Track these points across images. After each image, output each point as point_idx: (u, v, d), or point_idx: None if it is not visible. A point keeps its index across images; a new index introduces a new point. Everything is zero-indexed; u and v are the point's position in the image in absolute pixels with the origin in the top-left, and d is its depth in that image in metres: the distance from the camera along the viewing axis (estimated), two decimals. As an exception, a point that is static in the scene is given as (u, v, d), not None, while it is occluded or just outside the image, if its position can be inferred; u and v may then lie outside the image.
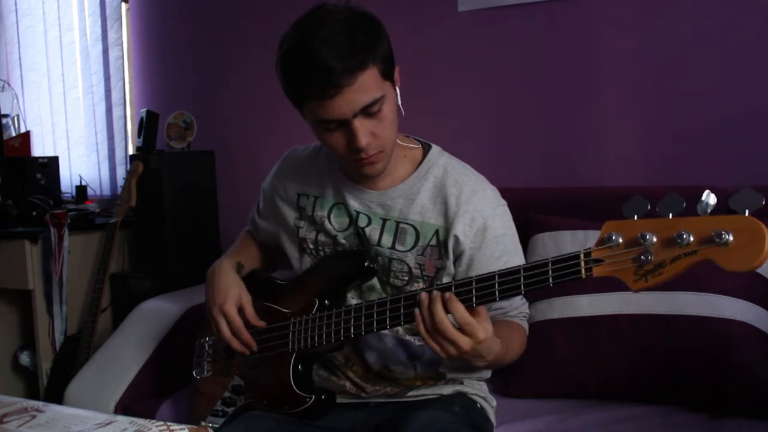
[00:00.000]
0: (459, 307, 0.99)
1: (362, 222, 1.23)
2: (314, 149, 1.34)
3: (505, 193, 1.29)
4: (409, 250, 1.20)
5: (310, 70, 1.05)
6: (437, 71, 2.21)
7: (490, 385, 1.37)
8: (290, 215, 1.32)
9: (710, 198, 0.83)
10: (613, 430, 1.38)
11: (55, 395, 2.24)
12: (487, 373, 1.33)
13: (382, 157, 1.15)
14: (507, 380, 1.59)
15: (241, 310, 1.27)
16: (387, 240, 1.21)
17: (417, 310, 1.02)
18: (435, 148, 1.27)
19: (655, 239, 0.85)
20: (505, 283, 0.98)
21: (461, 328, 0.99)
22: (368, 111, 1.08)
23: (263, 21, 2.53)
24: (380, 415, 1.25)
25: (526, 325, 1.27)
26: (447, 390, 1.27)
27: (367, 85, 1.06)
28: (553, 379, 1.56)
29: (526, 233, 1.70)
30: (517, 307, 1.24)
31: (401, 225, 1.21)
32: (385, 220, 1.22)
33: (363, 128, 1.09)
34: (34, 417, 0.91)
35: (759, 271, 1.48)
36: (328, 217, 1.26)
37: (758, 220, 0.79)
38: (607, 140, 1.98)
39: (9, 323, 2.70)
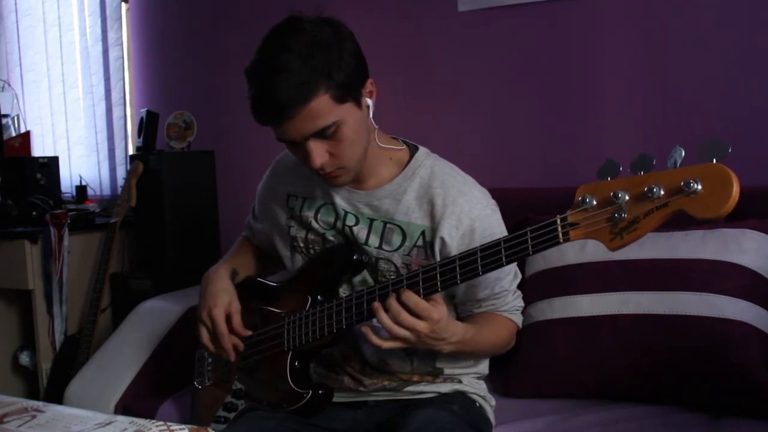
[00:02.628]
0: (412, 296, 1.05)
1: (350, 221, 1.24)
2: None
3: (504, 193, 1.29)
4: (395, 250, 1.21)
5: (261, 97, 1.09)
6: (437, 71, 2.20)
7: (490, 385, 1.37)
8: (282, 215, 1.34)
9: (679, 152, 0.84)
10: (613, 430, 1.38)
11: (55, 395, 2.24)
12: (485, 369, 1.33)
13: (343, 173, 1.17)
14: (507, 380, 1.60)
15: (229, 318, 1.29)
16: (374, 240, 1.22)
17: (376, 317, 1.07)
18: (422, 150, 1.27)
19: (627, 197, 0.87)
20: (488, 256, 1.01)
21: (417, 314, 1.04)
22: (322, 134, 1.10)
23: (263, 21, 2.49)
24: (379, 415, 1.25)
25: (518, 318, 1.27)
26: (445, 388, 1.26)
27: (316, 113, 1.07)
28: (553, 379, 1.56)
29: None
30: (509, 302, 1.24)
31: (388, 225, 1.22)
32: (372, 220, 1.23)
33: (317, 149, 1.11)
34: (34, 417, 0.91)
35: (759, 271, 1.48)
36: (315, 217, 1.28)
37: (725, 166, 0.80)
38: (607, 140, 1.97)
39: (9, 323, 2.70)
